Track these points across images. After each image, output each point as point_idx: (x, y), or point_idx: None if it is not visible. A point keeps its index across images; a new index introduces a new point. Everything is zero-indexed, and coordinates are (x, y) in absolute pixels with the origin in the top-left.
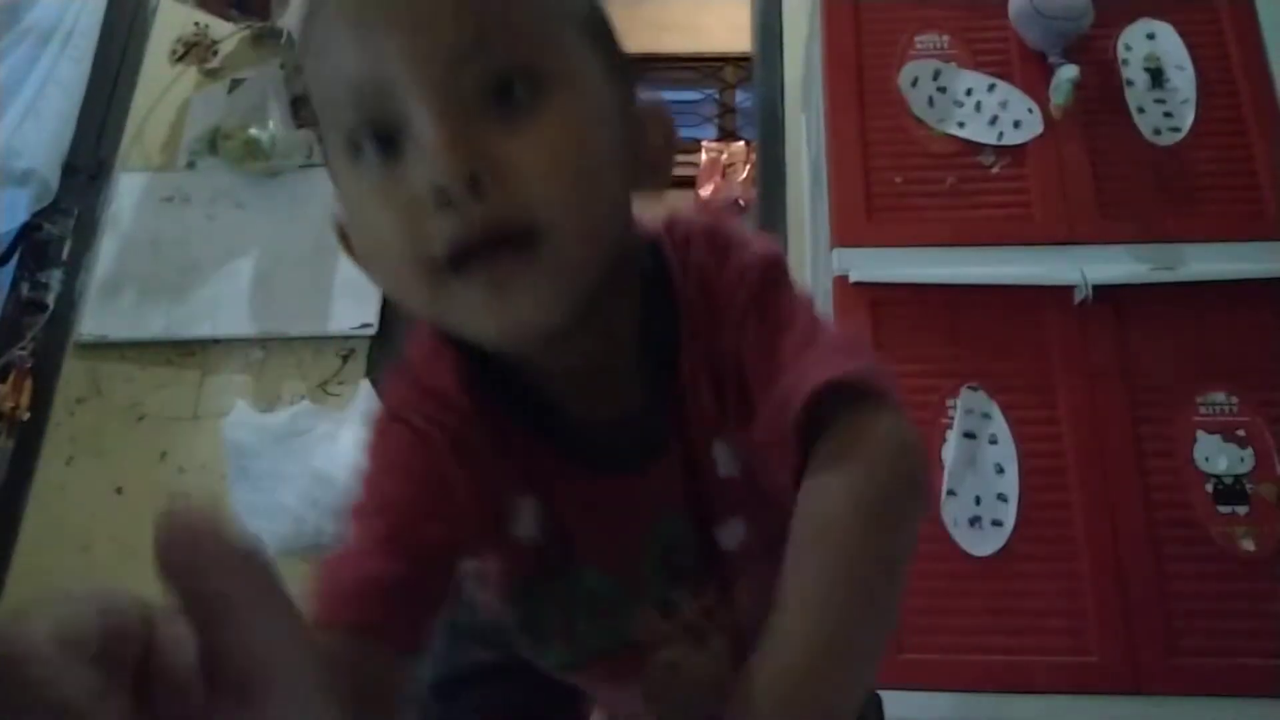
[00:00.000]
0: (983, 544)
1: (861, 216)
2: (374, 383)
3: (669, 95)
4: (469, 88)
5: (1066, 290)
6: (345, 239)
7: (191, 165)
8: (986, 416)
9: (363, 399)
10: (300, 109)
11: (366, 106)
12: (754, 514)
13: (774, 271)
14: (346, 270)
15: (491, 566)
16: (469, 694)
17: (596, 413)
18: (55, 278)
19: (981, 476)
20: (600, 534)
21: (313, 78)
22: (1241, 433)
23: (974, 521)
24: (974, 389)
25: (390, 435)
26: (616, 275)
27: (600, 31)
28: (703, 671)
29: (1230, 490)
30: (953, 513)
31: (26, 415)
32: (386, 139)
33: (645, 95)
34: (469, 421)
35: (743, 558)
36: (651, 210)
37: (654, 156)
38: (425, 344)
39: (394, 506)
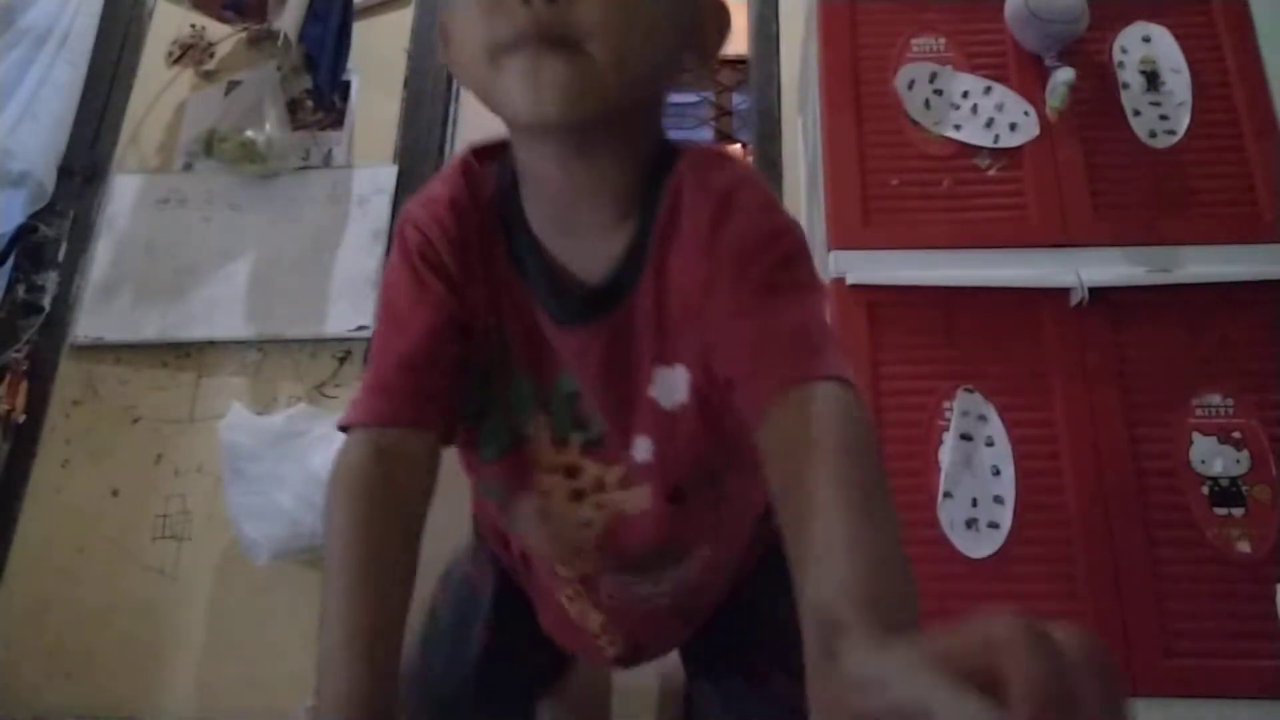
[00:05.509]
0: (979, 546)
1: (858, 219)
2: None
3: None
4: None
5: (1063, 292)
6: (444, 37)
7: (188, 167)
8: (983, 418)
9: None
10: (296, 111)
11: None
12: (663, 437)
13: (796, 248)
14: (343, 272)
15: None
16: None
17: (564, 267)
18: (51, 280)
19: (978, 478)
20: (529, 353)
21: None
22: (1237, 434)
23: (970, 523)
24: (970, 391)
25: (400, 247)
26: (633, 123)
27: None
28: (568, 508)
29: (1226, 492)
30: (949, 515)
31: (22, 418)
32: None
33: None
34: (471, 228)
35: (649, 467)
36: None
37: (704, 39)
38: (455, 169)
39: (403, 312)
